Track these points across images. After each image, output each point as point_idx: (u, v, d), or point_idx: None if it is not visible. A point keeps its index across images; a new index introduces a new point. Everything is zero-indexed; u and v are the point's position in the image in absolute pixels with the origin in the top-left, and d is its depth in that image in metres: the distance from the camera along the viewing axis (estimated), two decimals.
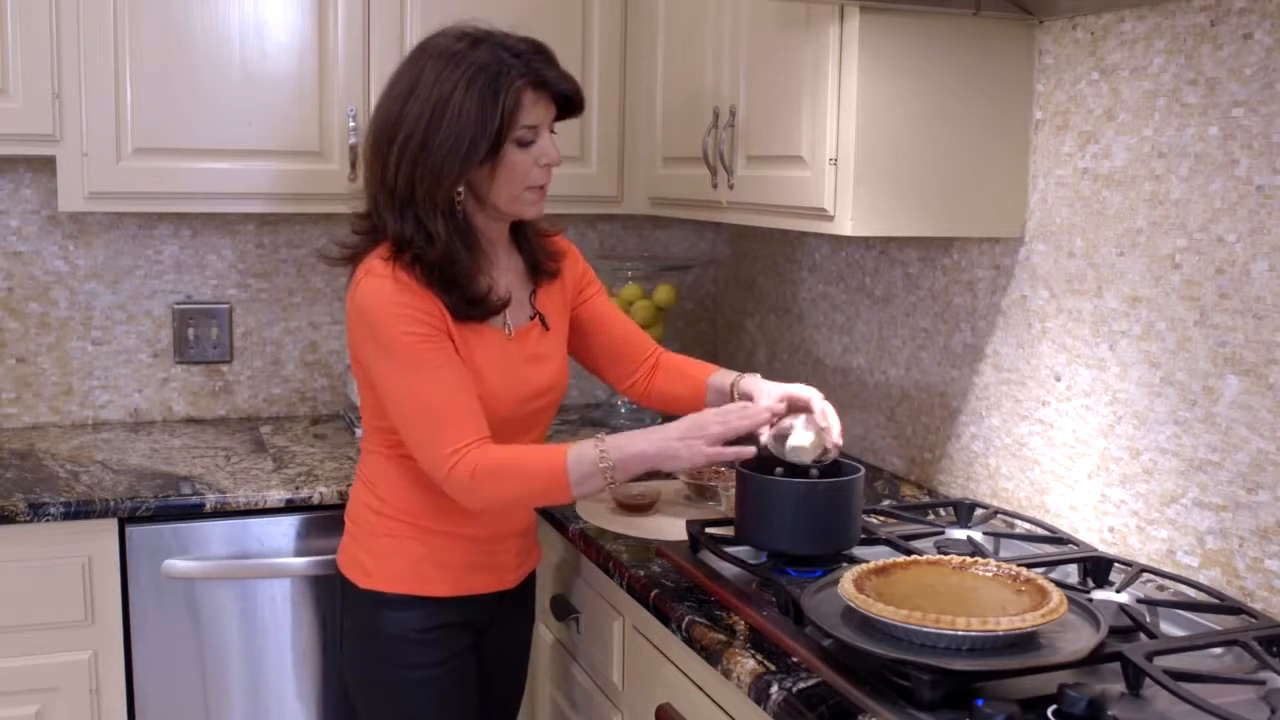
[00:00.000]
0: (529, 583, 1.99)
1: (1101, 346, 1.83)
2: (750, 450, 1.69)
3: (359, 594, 1.82)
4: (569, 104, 1.78)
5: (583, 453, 1.67)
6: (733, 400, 1.86)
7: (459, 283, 1.72)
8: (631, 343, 2.01)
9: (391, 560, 1.81)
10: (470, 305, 1.74)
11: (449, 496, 1.74)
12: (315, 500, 2.22)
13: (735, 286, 3.05)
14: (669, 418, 1.80)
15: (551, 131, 1.77)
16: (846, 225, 1.85)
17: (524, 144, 1.72)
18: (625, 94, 2.66)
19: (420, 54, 1.74)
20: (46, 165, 2.52)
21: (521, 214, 1.79)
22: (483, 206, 1.76)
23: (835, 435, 1.75)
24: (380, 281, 1.68)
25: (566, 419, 2.84)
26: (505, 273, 1.84)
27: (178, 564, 2.16)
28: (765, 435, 1.75)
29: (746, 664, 1.43)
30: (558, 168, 1.78)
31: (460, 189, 1.71)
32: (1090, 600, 1.50)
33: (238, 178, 2.43)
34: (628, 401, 2.78)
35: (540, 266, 1.88)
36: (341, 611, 1.88)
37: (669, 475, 2.32)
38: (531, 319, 1.86)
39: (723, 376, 1.92)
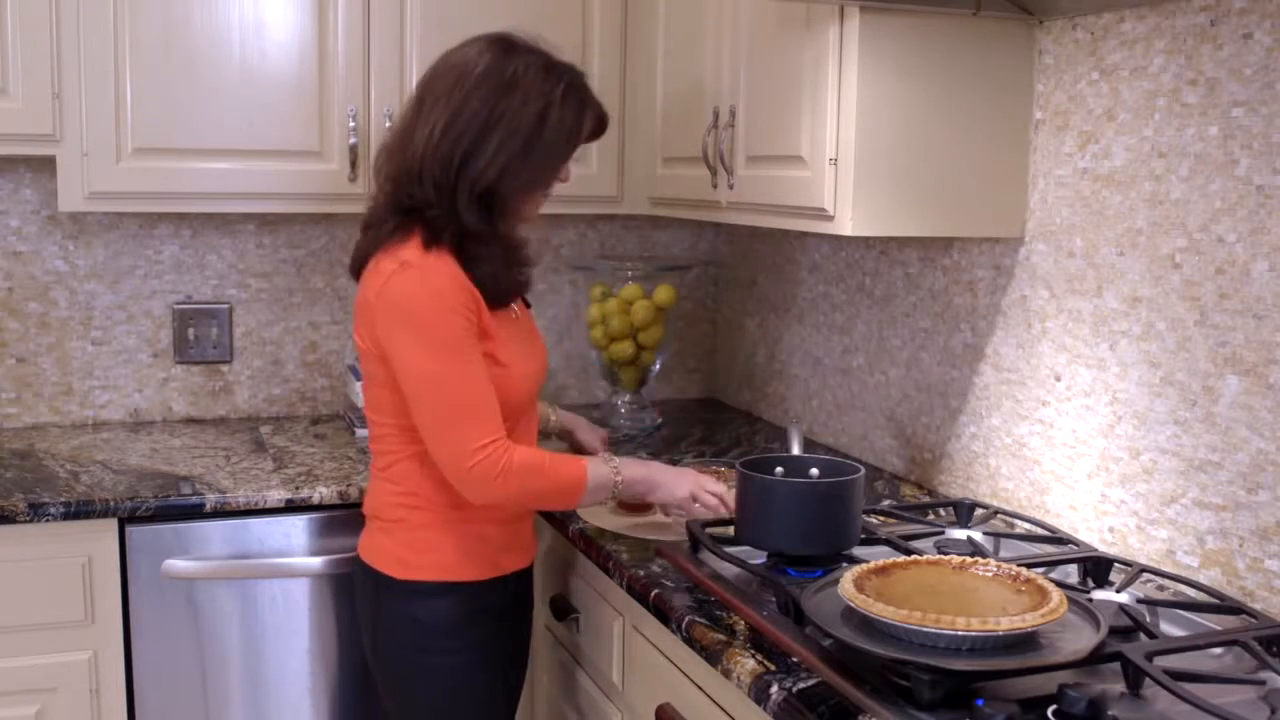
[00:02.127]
0: (532, 565, 2.04)
1: (1101, 346, 1.83)
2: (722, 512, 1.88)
3: (397, 586, 1.84)
4: (600, 130, 1.92)
5: (601, 478, 1.83)
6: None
7: (512, 269, 1.84)
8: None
9: (432, 550, 1.84)
10: (515, 289, 1.86)
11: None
12: (315, 500, 2.23)
13: (735, 286, 3.05)
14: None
15: None
16: (846, 225, 1.85)
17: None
18: (625, 94, 2.66)
19: (504, 52, 1.78)
20: (46, 165, 2.52)
21: (525, 218, 1.89)
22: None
23: None
24: (421, 274, 1.72)
25: None
26: None
27: (178, 564, 2.16)
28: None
29: (746, 664, 1.43)
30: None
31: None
32: (1090, 600, 1.50)
33: (238, 178, 2.43)
34: (628, 401, 2.78)
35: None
36: (374, 606, 1.89)
37: None
38: (519, 300, 1.96)
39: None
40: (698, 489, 1.88)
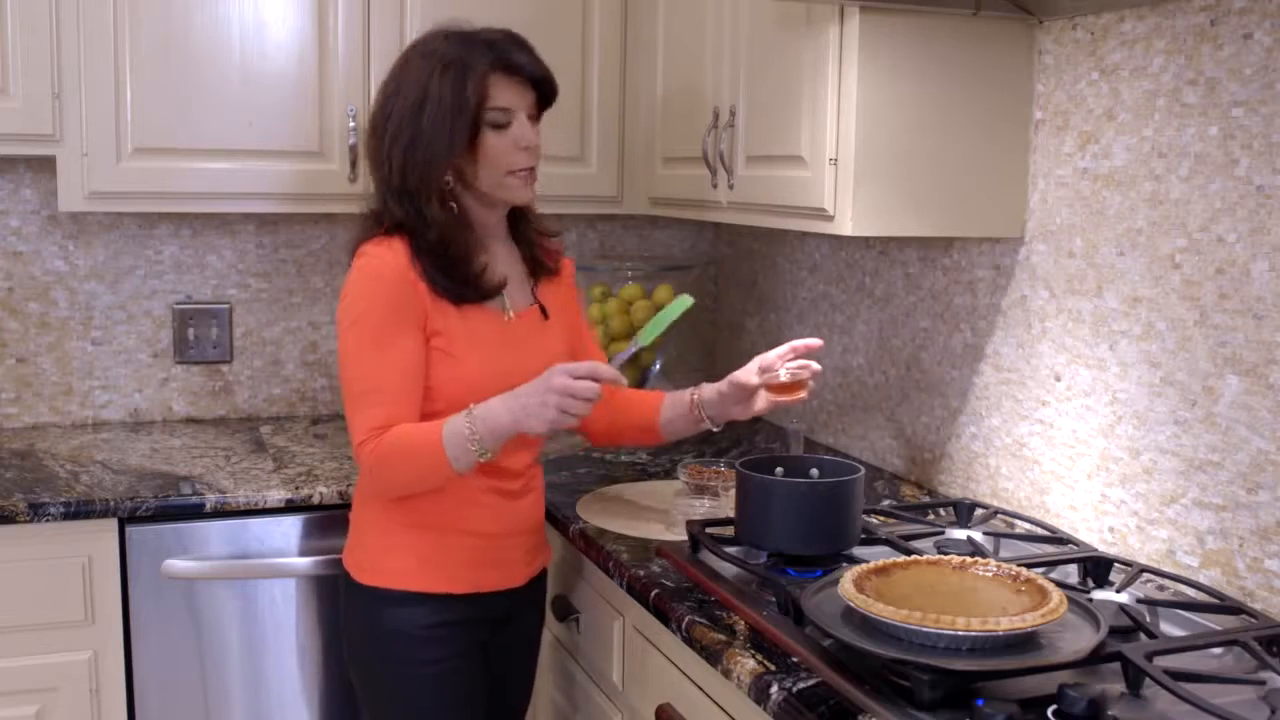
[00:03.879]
0: (538, 582, 1.99)
1: (1101, 346, 1.83)
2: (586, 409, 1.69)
3: (362, 591, 1.84)
4: (542, 89, 1.83)
5: (454, 428, 1.70)
6: (693, 413, 1.92)
7: (455, 264, 1.78)
8: None
9: (395, 557, 1.82)
10: (467, 286, 1.79)
11: (452, 494, 1.80)
12: (315, 500, 2.22)
13: (735, 286, 3.04)
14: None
15: (535, 120, 1.83)
16: (846, 225, 1.85)
17: (498, 126, 1.78)
18: (625, 94, 2.65)
19: (408, 52, 1.83)
20: (46, 165, 2.52)
21: (509, 199, 1.84)
22: (471, 192, 1.82)
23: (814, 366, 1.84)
24: (367, 261, 1.77)
25: None
26: (502, 260, 1.88)
27: (178, 564, 2.16)
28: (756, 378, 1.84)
29: (746, 664, 1.43)
30: (539, 151, 1.83)
31: (449, 177, 1.78)
32: (1090, 600, 1.50)
33: (238, 178, 2.43)
34: None
35: (540, 263, 1.93)
36: (345, 609, 1.90)
37: (670, 475, 2.32)
38: (531, 306, 1.90)
39: (678, 393, 1.96)
40: (562, 401, 1.65)
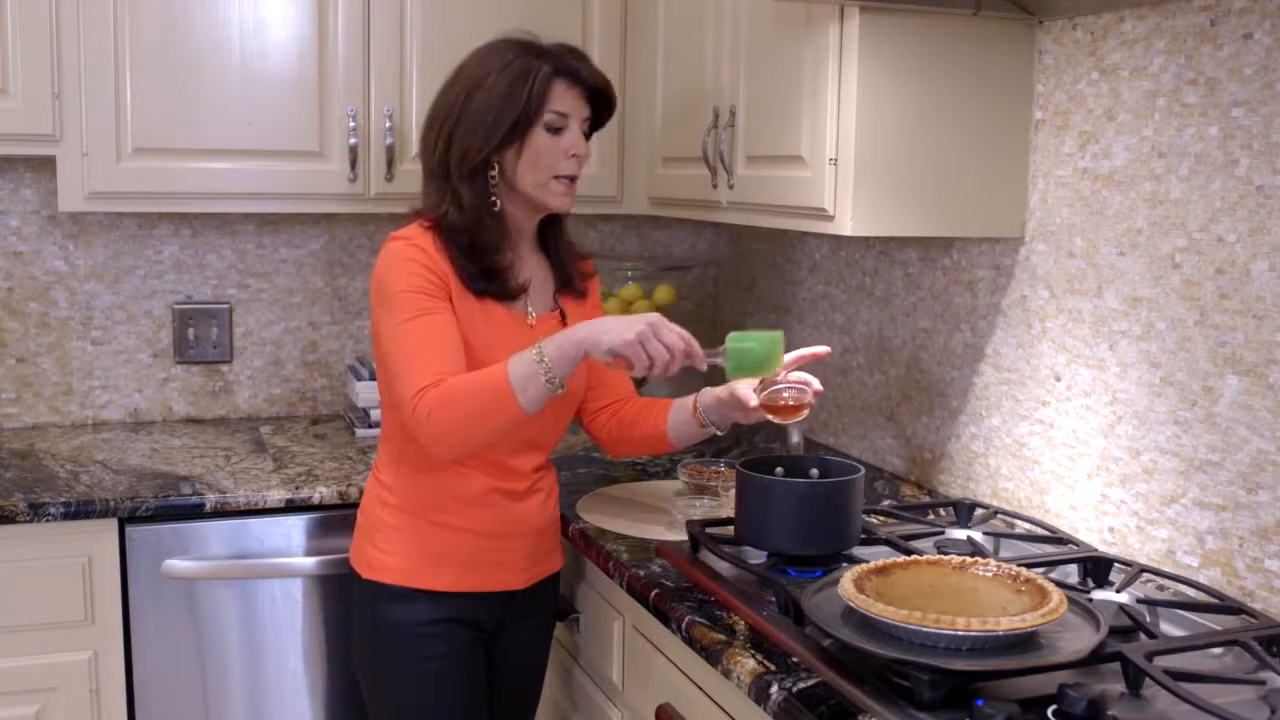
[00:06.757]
0: (544, 587, 1.97)
1: (1101, 346, 1.83)
2: (694, 357, 1.68)
3: (363, 585, 1.86)
4: (600, 100, 1.86)
5: (520, 356, 1.66)
6: (695, 418, 1.90)
7: (482, 255, 1.79)
8: (617, 379, 2.01)
9: (394, 553, 1.83)
10: (490, 278, 1.80)
11: (455, 491, 1.80)
12: (315, 500, 2.23)
13: (735, 286, 3.04)
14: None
15: (586, 134, 1.85)
16: (846, 225, 1.85)
17: (552, 129, 1.81)
18: (625, 94, 2.65)
19: (467, 57, 1.86)
20: (46, 165, 2.52)
21: (548, 203, 1.84)
22: (512, 192, 1.83)
23: (815, 385, 1.79)
24: (397, 244, 1.78)
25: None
26: (529, 266, 1.89)
27: (178, 564, 2.16)
28: (754, 399, 1.81)
29: (746, 664, 1.43)
30: (585, 161, 1.85)
31: (494, 172, 1.80)
32: (1090, 600, 1.50)
33: (238, 178, 2.43)
34: None
35: (569, 280, 1.94)
36: (351, 604, 1.92)
37: (670, 475, 2.32)
38: (553, 311, 1.91)
39: (682, 399, 1.94)
40: (645, 331, 1.63)
